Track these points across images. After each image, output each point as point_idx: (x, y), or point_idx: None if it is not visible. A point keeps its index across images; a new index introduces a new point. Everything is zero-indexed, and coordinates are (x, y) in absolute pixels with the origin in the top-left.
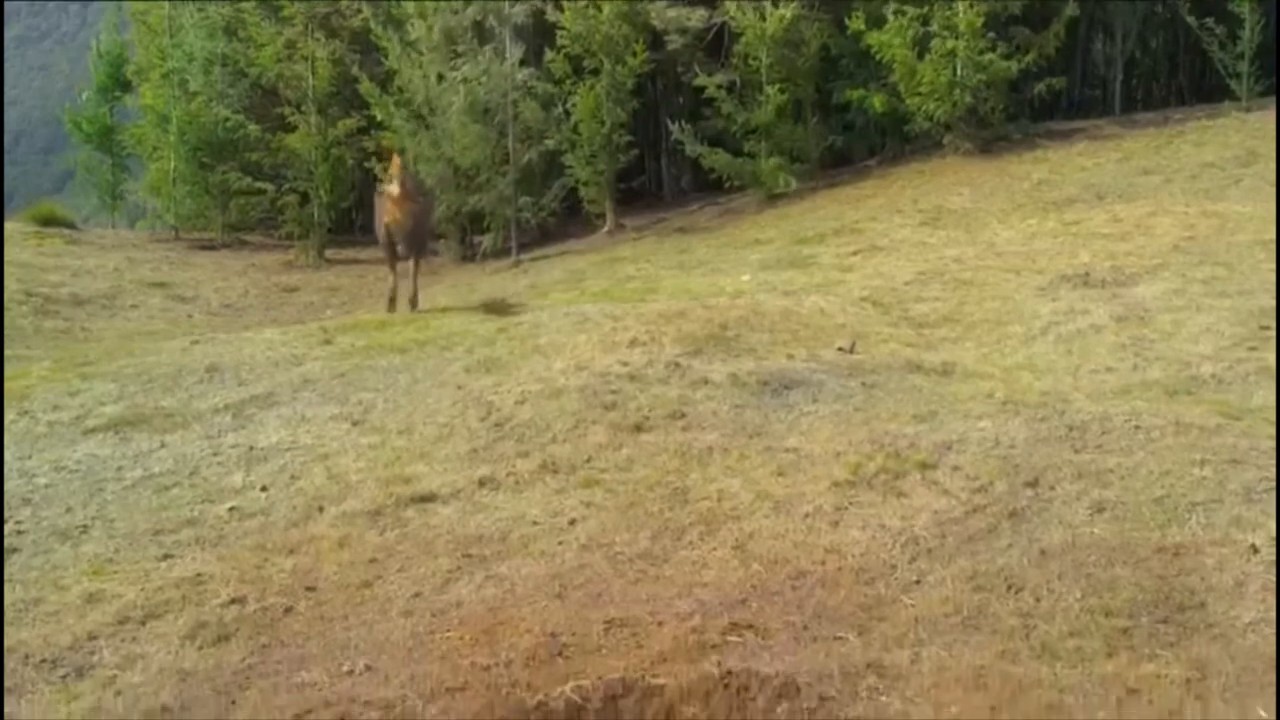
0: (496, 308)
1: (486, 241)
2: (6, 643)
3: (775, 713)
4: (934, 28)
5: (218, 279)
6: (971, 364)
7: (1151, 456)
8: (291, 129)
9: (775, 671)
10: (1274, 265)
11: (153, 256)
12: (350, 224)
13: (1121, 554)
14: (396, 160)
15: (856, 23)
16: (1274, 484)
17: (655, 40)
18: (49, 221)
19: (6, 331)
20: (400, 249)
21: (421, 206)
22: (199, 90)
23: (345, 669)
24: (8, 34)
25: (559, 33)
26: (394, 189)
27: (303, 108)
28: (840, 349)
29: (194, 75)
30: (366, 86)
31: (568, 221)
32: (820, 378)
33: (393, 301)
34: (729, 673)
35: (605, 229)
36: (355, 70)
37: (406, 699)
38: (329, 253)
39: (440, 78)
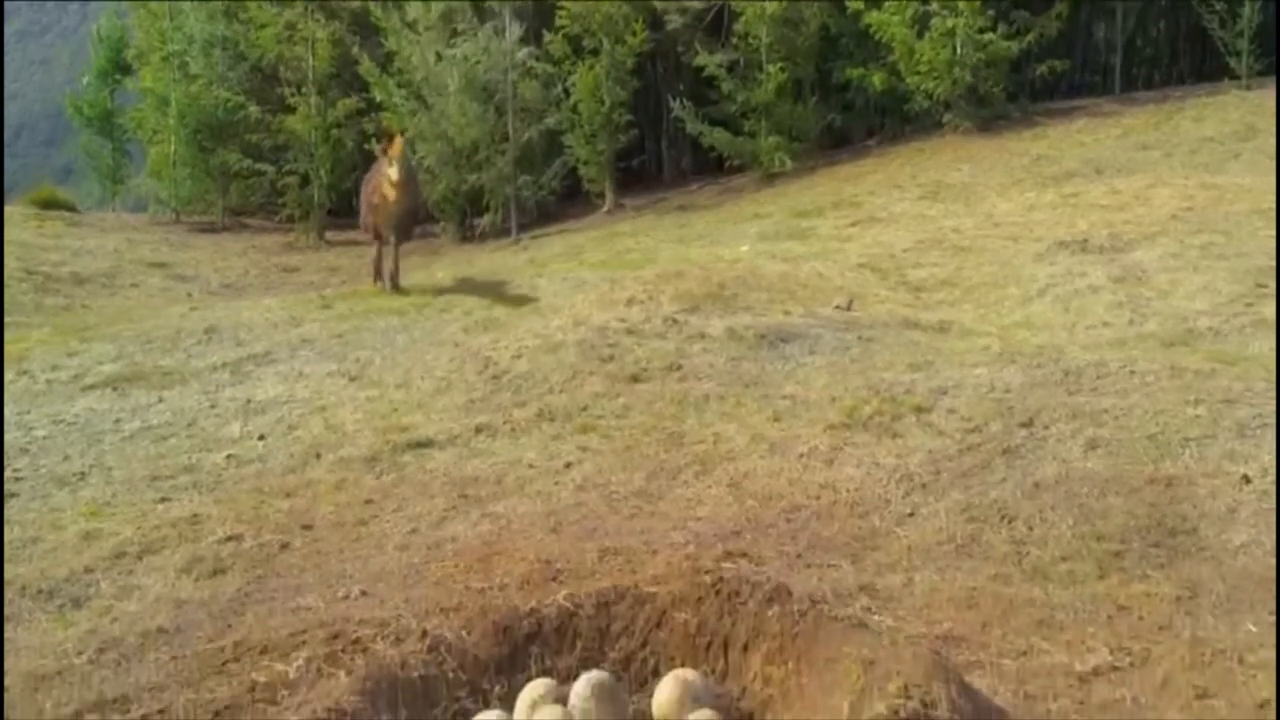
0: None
1: (485, 220)
2: (4, 577)
3: (765, 616)
4: (933, 6)
5: (218, 259)
6: (969, 323)
7: (1146, 398)
8: (291, 111)
9: (766, 578)
10: (1272, 231)
11: (152, 238)
12: (350, 206)
13: (1114, 485)
14: (399, 142)
15: (856, 2)
16: (1267, 421)
17: (655, 20)
18: (49, 205)
19: (7, 308)
20: (384, 233)
21: (415, 195)
22: (199, 73)
23: (340, 595)
24: (9, 28)
25: (559, 12)
26: (394, 173)
27: (303, 89)
28: (837, 306)
29: (194, 58)
30: (366, 67)
31: (567, 202)
32: (817, 332)
33: (379, 272)
34: (720, 580)
35: (605, 208)
36: (355, 51)
37: (401, 618)
38: (329, 234)
39: (439, 57)
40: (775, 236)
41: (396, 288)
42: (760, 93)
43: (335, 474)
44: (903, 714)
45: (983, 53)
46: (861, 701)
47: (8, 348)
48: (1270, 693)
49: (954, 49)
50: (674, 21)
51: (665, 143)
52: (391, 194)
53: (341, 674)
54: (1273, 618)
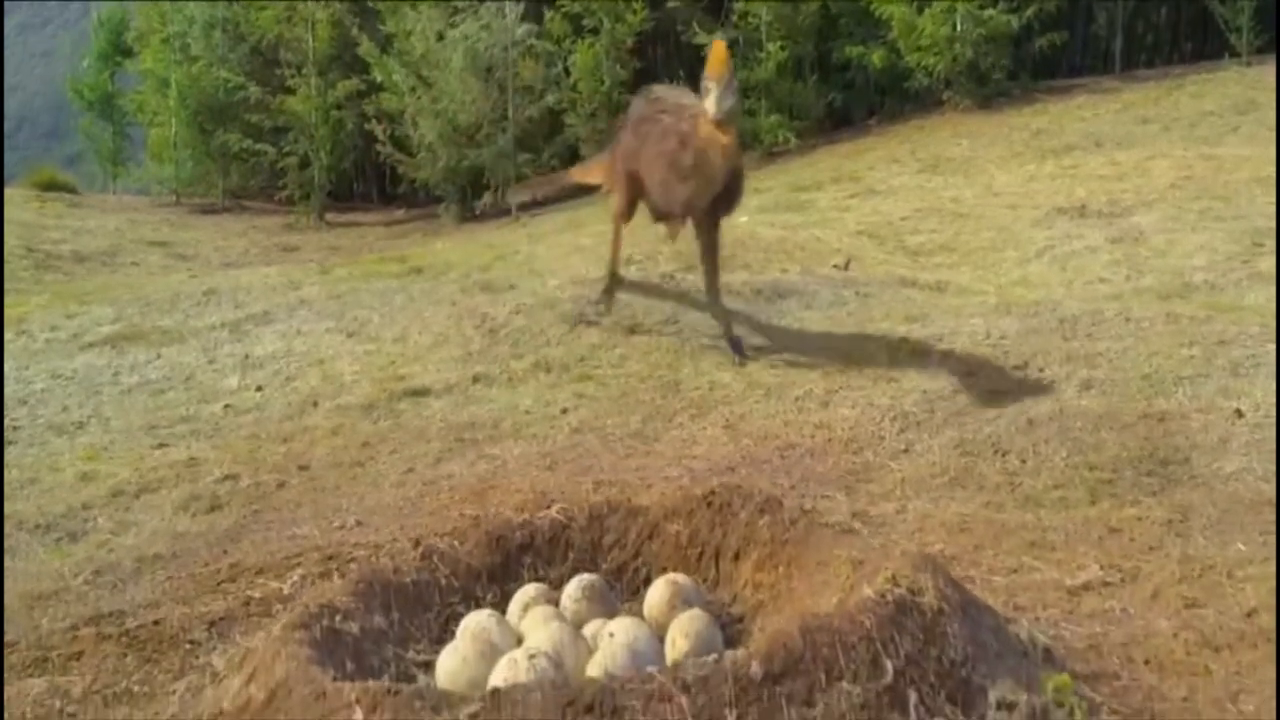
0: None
1: (486, 198)
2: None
3: (756, 525)
4: None
5: (218, 239)
6: (966, 282)
7: (1141, 342)
8: (292, 92)
9: (758, 491)
10: (1271, 198)
11: (153, 219)
12: (350, 189)
13: (1108, 421)
14: (723, 50)
15: None
16: (1261, 361)
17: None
18: (50, 186)
19: (6, 284)
20: (708, 208)
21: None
22: (200, 54)
23: (336, 525)
24: (10, 21)
25: None
26: (718, 106)
27: (303, 70)
28: (835, 266)
29: (195, 39)
30: (367, 48)
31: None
32: (814, 289)
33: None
34: (712, 492)
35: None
36: (355, 33)
37: (396, 541)
38: (329, 216)
39: (440, 36)
40: (774, 209)
41: (738, 350)
42: (760, 71)
43: (332, 420)
44: (890, 599)
45: (983, 28)
46: (850, 598)
47: (7, 312)
48: (1258, 602)
49: (954, 25)
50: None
51: None
52: (719, 144)
53: (335, 578)
54: (1263, 538)
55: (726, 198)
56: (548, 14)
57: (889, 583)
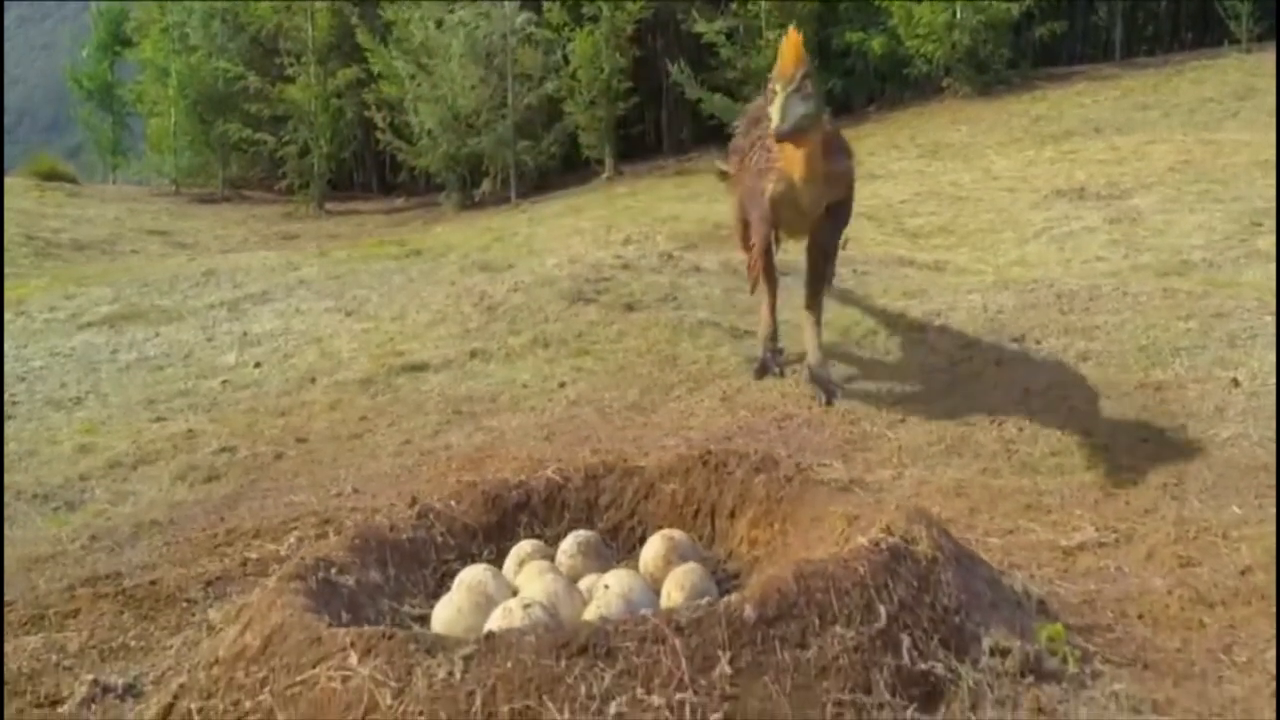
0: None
1: (485, 185)
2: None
3: (752, 483)
4: None
5: (217, 227)
6: (964, 262)
7: (1138, 315)
8: (291, 81)
9: (754, 450)
10: (1270, 180)
11: (152, 208)
12: (351, 178)
13: (1105, 390)
14: (796, 43)
15: None
16: (1258, 332)
17: None
18: (50, 176)
19: (6, 271)
20: (812, 255)
21: (841, 164)
22: (199, 44)
23: (334, 493)
24: (10, 14)
25: None
26: (776, 117)
27: (302, 59)
28: None
29: (194, 29)
30: (366, 36)
31: (567, 172)
32: None
33: (771, 356)
34: (708, 451)
35: (604, 175)
36: (354, 20)
37: (394, 506)
38: (329, 205)
39: (439, 24)
40: None
41: (828, 392)
42: (760, 59)
43: (330, 395)
44: (884, 546)
45: (982, 15)
46: (845, 550)
47: (6, 294)
48: (1253, 561)
49: (953, 12)
50: None
51: (665, 113)
52: (795, 166)
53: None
54: (1259, 501)
55: (834, 215)
56: (546, 2)
57: (884, 532)
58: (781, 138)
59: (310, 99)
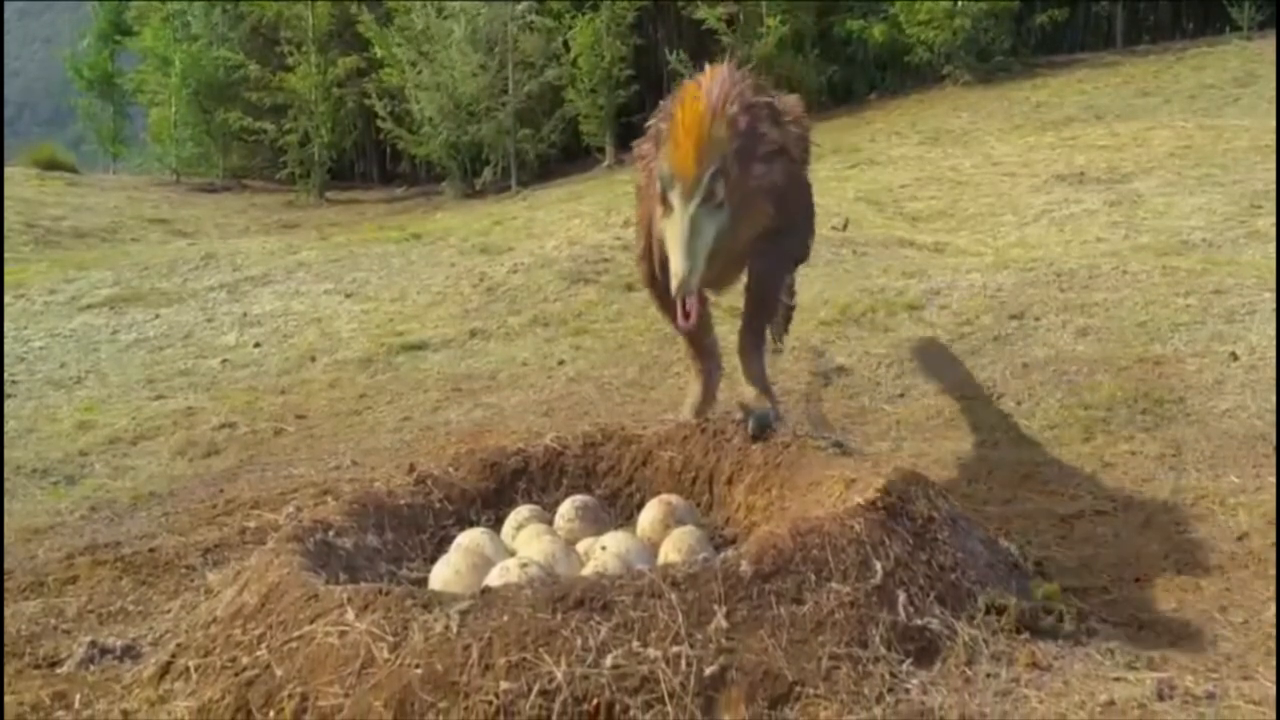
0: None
1: (486, 174)
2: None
3: (749, 450)
4: None
5: (218, 216)
6: (964, 244)
7: (1137, 292)
8: (291, 70)
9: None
10: (1270, 164)
11: (153, 197)
12: (351, 168)
13: (1103, 365)
14: (703, 115)
15: None
16: (1256, 308)
17: None
18: (50, 165)
19: (6, 258)
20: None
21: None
22: (200, 33)
23: (333, 466)
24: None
25: None
26: (689, 262)
27: (303, 47)
28: (833, 228)
29: (195, 17)
30: (366, 23)
31: (568, 161)
32: (813, 247)
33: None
34: (706, 419)
35: (605, 163)
36: (355, 8)
37: (392, 478)
38: (330, 193)
39: (440, 11)
40: None
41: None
42: (761, 46)
43: (329, 374)
44: (880, 505)
45: (983, 2)
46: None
47: (7, 279)
48: (1250, 527)
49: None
50: None
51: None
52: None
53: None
54: (1256, 470)
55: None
56: None
57: (880, 492)
58: (691, 294)
59: (311, 88)
